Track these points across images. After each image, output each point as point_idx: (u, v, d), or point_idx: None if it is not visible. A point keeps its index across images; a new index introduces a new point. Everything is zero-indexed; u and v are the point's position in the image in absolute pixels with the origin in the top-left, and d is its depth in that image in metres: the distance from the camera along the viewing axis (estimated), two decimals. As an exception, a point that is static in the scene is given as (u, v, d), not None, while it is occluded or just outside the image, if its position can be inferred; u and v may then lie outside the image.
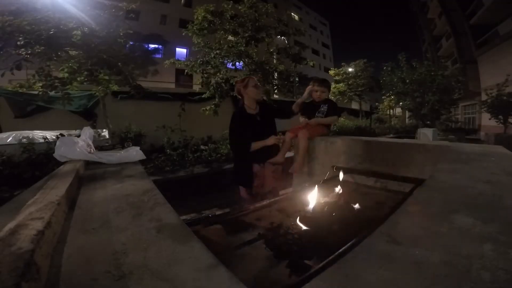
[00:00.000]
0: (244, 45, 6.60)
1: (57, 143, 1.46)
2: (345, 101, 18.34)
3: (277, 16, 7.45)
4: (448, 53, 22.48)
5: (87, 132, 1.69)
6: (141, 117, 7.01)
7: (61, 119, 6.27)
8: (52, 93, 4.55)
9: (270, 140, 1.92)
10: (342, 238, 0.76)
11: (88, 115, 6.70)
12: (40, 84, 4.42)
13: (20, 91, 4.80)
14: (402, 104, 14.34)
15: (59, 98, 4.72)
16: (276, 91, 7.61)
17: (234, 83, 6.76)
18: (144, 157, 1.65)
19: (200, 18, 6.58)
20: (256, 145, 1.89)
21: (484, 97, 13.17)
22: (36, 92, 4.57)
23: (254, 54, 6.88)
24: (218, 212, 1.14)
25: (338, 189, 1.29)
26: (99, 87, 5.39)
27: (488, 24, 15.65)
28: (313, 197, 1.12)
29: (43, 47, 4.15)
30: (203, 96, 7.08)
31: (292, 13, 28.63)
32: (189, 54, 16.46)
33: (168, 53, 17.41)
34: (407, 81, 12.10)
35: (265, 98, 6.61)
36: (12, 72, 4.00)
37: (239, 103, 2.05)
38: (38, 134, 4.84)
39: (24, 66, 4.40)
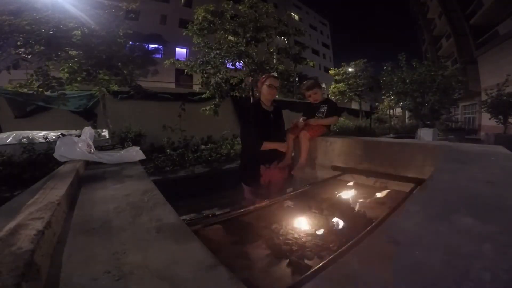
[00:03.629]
0: (244, 45, 6.60)
1: (57, 143, 1.46)
2: (345, 101, 18.34)
3: (277, 16, 7.45)
4: (448, 53, 22.48)
5: (88, 132, 1.69)
6: (141, 117, 7.02)
7: (61, 119, 6.28)
8: (47, 93, 4.55)
9: (283, 147, 1.96)
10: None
11: (88, 115, 6.70)
12: (37, 84, 4.42)
13: (20, 91, 4.80)
14: (402, 104, 14.34)
15: (55, 98, 4.73)
16: (276, 91, 7.59)
17: (233, 83, 6.78)
18: (144, 157, 1.65)
19: (200, 18, 6.58)
20: (269, 145, 1.89)
21: (484, 97, 13.16)
22: (32, 92, 4.56)
23: (254, 54, 6.88)
24: (218, 212, 1.14)
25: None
26: (97, 88, 5.39)
27: (488, 24, 15.66)
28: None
29: (43, 47, 4.15)
30: (203, 96, 7.09)
31: (292, 13, 28.63)
32: (189, 54, 16.46)
33: (168, 53, 17.38)
34: (407, 81, 12.10)
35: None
36: (9, 72, 4.00)
37: (255, 97, 2.08)
38: (38, 134, 4.85)
39: (24, 66, 4.41)
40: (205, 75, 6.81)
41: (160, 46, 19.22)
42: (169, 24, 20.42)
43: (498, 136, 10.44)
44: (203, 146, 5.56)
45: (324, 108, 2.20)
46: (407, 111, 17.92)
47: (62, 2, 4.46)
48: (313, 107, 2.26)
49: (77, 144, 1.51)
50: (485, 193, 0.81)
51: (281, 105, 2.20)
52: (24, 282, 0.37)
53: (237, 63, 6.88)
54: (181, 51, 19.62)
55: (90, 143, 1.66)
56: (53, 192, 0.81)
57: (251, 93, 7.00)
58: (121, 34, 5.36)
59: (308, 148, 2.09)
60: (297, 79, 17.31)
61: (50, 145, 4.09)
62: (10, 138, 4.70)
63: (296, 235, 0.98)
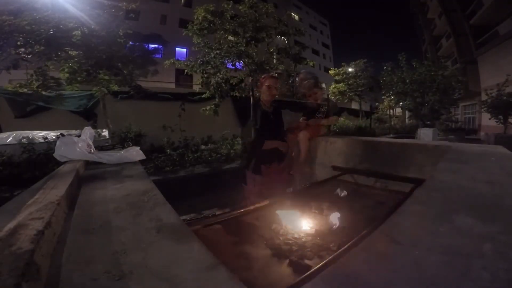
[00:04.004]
0: (244, 45, 6.59)
1: (57, 143, 1.46)
2: (345, 101, 18.32)
3: (277, 16, 7.43)
4: (448, 53, 22.46)
5: (88, 132, 1.69)
6: (141, 117, 7.00)
7: (61, 119, 6.27)
8: (45, 93, 4.56)
9: (284, 146, 1.98)
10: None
11: (88, 115, 6.70)
12: (37, 84, 4.42)
13: (20, 91, 4.80)
14: (402, 104, 14.33)
15: (53, 98, 4.72)
16: (276, 91, 7.57)
17: (233, 83, 6.77)
18: (144, 157, 1.65)
19: (200, 18, 6.57)
20: (270, 144, 1.92)
21: (484, 97, 13.16)
22: (31, 92, 4.56)
23: (254, 54, 6.87)
24: (218, 212, 1.14)
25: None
26: (97, 88, 5.39)
27: (488, 24, 15.65)
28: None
29: (42, 47, 4.15)
30: (203, 96, 7.08)
31: (292, 13, 28.61)
32: (189, 54, 16.46)
33: (168, 53, 17.35)
34: (407, 81, 12.09)
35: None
36: (9, 72, 4.00)
37: (255, 97, 2.12)
38: (38, 134, 4.85)
39: (24, 66, 4.41)
40: (205, 75, 6.80)
41: (160, 46, 19.23)
42: (169, 24, 20.42)
43: (498, 136, 10.43)
44: (203, 146, 5.56)
45: (324, 108, 2.20)
46: (407, 111, 17.92)
47: (62, 2, 4.46)
48: (313, 107, 2.26)
49: (77, 144, 1.51)
50: (485, 193, 0.81)
51: (281, 104, 2.21)
52: (24, 282, 0.37)
53: (237, 63, 6.86)
54: (181, 51, 19.63)
55: (90, 143, 1.66)
56: (53, 192, 0.81)
57: (251, 93, 6.99)
58: (121, 34, 5.35)
59: (307, 148, 2.09)
60: (297, 79, 17.28)
61: (50, 145, 4.09)
62: (10, 138, 4.70)
63: (296, 235, 0.98)
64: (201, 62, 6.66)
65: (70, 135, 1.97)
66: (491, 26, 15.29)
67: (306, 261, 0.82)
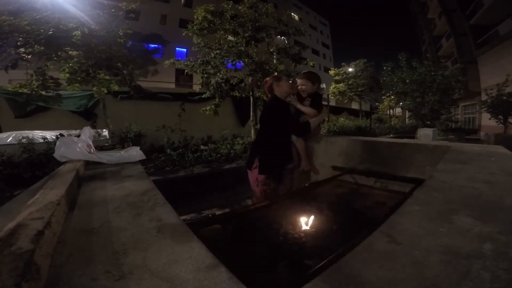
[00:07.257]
0: (244, 45, 6.59)
1: (57, 143, 1.46)
2: (345, 101, 18.33)
3: (277, 16, 7.43)
4: (448, 53, 22.47)
5: (87, 132, 1.69)
6: (141, 117, 7.02)
7: (61, 119, 6.28)
8: (43, 92, 4.56)
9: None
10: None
11: (88, 115, 6.71)
12: (36, 84, 4.43)
13: (20, 91, 4.80)
14: (402, 104, 14.34)
15: (52, 98, 4.72)
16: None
17: (233, 83, 6.76)
18: (144, 157, 1.65)
19: (200, 18, 6.57)
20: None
21: (484, 97, 13.16)
22: (30, 92, 4.55)
23: (254, 54, 6.87)
24: (218, 212, 1.14)
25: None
26: (95, 88, 5.39)
27: (488, 24, 15.65)
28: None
29: (42, 47, 4.15)
30: (203, 96, 7.08)
31: (292, 13, 28.63)
32: (189, 54, 16.48)
33: (168, 53, 17.39)
34: (407, 81, 12.08)
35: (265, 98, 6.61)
36: (7, 71, 4.00)
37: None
38: (38, 134, 4.85)
39: (24, 66, 4.41)
40: (205, 75, 6.80)
41: (160, 46, 19.27)
42: (169, 24, 20.44)
43: (498, 136, 10.42)
44: (202, 147, 5.56)
45: (307, 102, 2.04)
46: (407, 111, 17.92)
47: (61, 2, 4.46)
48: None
49: (77, 144, 1.51)
50: (485, 193, 0.81)
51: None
52: (24, 282, 0.37)
53: (237, 63, 6.86)
54: (181, 51, 19.63)
55: (90, 143, 1.66)
56: (53, 192, 0.81)
57: (251, 93, 6.99)
58: (121, 34, 5.35)
59: (304, 147, 2.07)
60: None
61: (50, 145, 4.09)
62: (10, 138, 4.70)
63: (296, 235, 0.98)
64: (201, 62, 6.65)
65: (70, 135, 1.96)
66: (491, 26, 15.29)
67: (306, 261, 0.82)
